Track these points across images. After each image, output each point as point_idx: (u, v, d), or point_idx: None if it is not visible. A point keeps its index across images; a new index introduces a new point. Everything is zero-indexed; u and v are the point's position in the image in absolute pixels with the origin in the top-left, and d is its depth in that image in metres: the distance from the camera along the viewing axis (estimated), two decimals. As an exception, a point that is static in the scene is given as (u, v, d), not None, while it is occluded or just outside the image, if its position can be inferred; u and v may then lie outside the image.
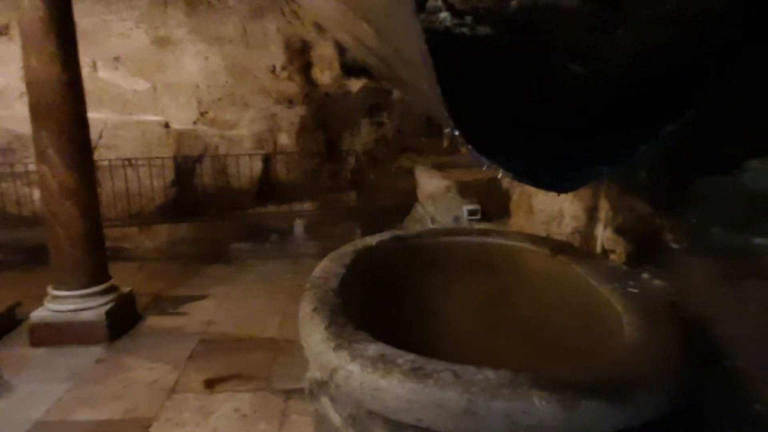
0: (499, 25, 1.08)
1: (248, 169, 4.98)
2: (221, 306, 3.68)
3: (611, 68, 1.20)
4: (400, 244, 2.01)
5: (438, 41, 1.09)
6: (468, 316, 1.78)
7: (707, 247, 1.47)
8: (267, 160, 5.09)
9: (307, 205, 5.03)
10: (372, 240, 1.99)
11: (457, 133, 1.15)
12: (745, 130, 1.56)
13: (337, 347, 1.13)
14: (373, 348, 1.10)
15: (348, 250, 1.85)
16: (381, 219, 4.68)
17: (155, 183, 4.71)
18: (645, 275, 1.67)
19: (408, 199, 4.63)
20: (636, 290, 1.48)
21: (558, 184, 1.33)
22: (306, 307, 1.36)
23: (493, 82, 1.30)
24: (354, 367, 1.06)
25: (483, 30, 1.10)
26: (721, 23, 1.07)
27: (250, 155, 4.96)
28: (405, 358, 1.05)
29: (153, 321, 3.43)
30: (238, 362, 2.88)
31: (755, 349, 1.15)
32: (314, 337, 1.21)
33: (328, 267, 1.66)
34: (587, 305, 1.55)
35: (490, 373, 0.99)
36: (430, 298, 1.83)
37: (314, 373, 1.39)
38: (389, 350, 1.09)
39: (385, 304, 1.69)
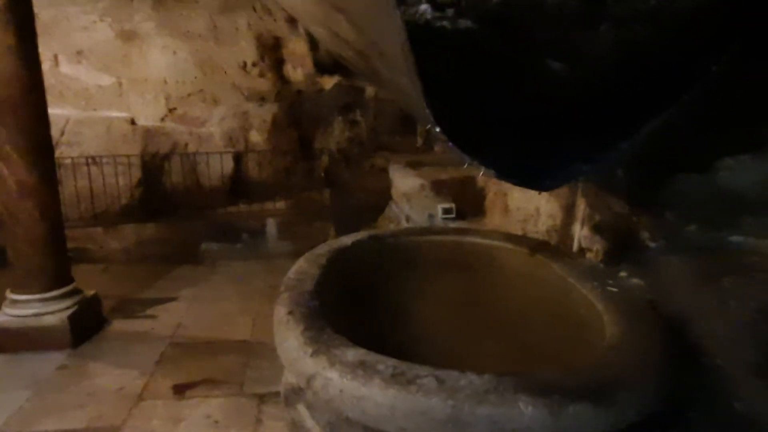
0: (481, 18, 1.05)
1: (219, 167, 4.86)
2: (191, 308, 3.57)
3: (593, 65, 1.18)
4: (376, 243, 1.97)
5: (417, 35, 1.05)
6: (446, 316, 1.75)
7: (685, 245, 1.48)
8: (238, 158, 4.98)
9: (280, 204, 4.94)
10: (348, 240, 1.94)
11: (438, 129, 1.12)
12: (719, 128, 1.58)
13: (315, 353, 1.08)
14: (353, 353, 1.06)
15: (323, 250, 1.80)
16: (355, 218, 4.63)
17: (121, 181, 4.56)
18: (622, 273, 1.66)
19: (382, 198, 4.59)
20: (615, 289, 1.47)
21: (539, 183, 1.31)
22: (281, 311, 1.31)
23: (474, 79, 1.27)
24: (333, 374, 1.01)
25: (464, 23, 1.06)
26: (704, 19, 1.06)
27: (221, 153, 4.84)
28: (386, 363, 1.01)
29: (119, 325, 3.30)
30: (209, 366, 2.79)
31: (735, 347, 1.15)
32: (290, 342, 1.16)
33: (303, 268, 1.61)
34: (567, 304, 1.54)
35: (475, 378, 0.96)
36: (407, 299, 1.79)
37: (290, 379, 1.34)
38: (369, 356, 1.05)
39: (362, 306, 1.65)
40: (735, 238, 1.42)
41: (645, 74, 1.24)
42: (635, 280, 1.59)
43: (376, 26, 1.20)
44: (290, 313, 1.27)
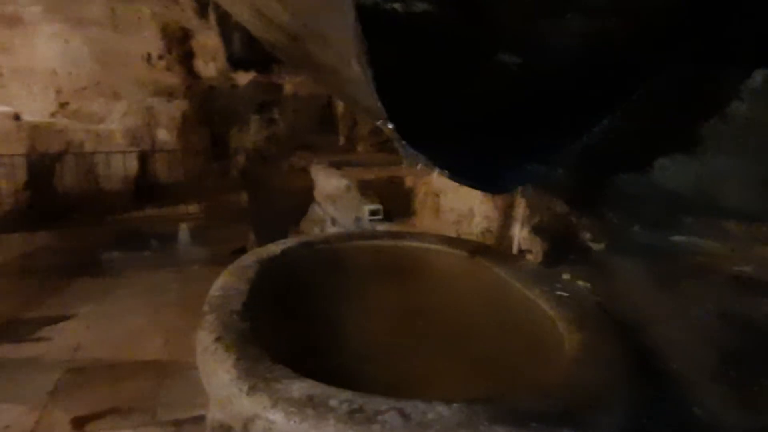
0: (440, 1, 0.93)
1: (121, 168, 4.43)
2: (92, 327, 3.18)
3: (554, 58, 1.11)
4: (308, 251, 1.81)
5: (363, 19, 0.92)
6: (388, 328, 1.62)
7: (630, 246, 1.46)
8: (144, 158, 4.57)
9: (193, 208, 4.59)
10: (277, 248, 1.76)
11: (390, 126, 0.99)
12: (655, 128, 1.58)
13: (252, 389, 0.90)
14: (299, 387, 0.90)
15: (250, 260, 1.61)
16: (276, 221, 4.39)
17: (3, 185, 4.00)
18: (565, 276, 1.63)
19: (304, 200, 4.39)
20: (565, 293, 1.42)
21: (494, 184, 1.23)
22: (206, 337, 1.11)
23: (424, 73, 1.16)
24: (276, 416, 0.85)
25: (421, 6, 0.94)
26: (668, 13, 1.02)
27: (124, 152, 4.41)
28: (339, 398, 0.86)
29: (3, 351, 2.86)
30: (115, 393, 2.47)
31: (694, 351, 1.12)
32: (220, 376, 0.97)
33: (229, 283, 1.42)
34: (516, 311, 1.47)
35: (443, 410, 0.84)
36: (345, 311, 1.64)
37: (218, 415, 1.15)
38: (319, 389, 0.89)
39: (298, 323, 1.48)
40: (678, 238, 1.42)
41: (601, 70, 1.19)
42: (581, 283, 1.55)
43: (316, 6, 1.05)
44: (218, 339, 1.09)
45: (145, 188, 4.59)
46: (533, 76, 1.20)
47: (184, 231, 4.47)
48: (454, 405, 0.85)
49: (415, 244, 1.95)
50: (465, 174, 1.13)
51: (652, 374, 1.19)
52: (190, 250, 4.43)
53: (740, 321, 1.08)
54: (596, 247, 1.62)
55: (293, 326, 1.41)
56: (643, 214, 1.52)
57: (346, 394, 0.88)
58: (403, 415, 0.83)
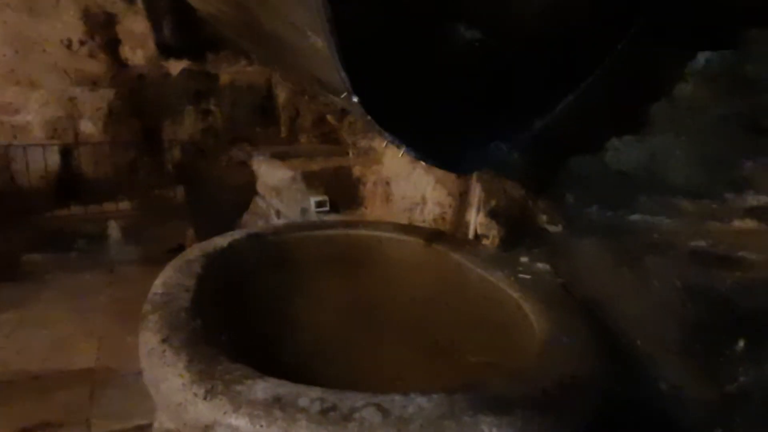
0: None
1: (41, 163, 4.06)
2: (13, 336, 2.89)
3: (512, 34, 1.07)
4: (257, 242, 1.71)
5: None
6: (347, 321, 1.55)
7: (588, 227, 1.46)
8: (67, 151, 4.22)
9: (124, 205, 4.29)
10: (223, 240, 1.65)
11: (355, 99, 0.92)
12: (608, 109, 1.60)
13: (210, 393, 0.81)
14: (263, 387, 0.81)
15: (195, 254, 1.49)
16: (215, 216, 4.20)
17: None
18: (523, 259, 1.62)
19: (244, 193, 4.21)
20: (527, 276, 1.40)
21: (460, 165, 1.19)
22: (151, 339, 1.00)
23: (386, 49, 1.09)
24: (240, 421, 0.76)
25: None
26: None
27: (43, 146, 4.05)
28: (310, 396, 0.79)
29: None
30: (42, 407, 2.25)
31: (656, 327, 1.13)
32: (171, 381, 0.87)
33: (174, 279, 1.29)
34: (479, 296, 1.44)
35: (423, 402, 0.78)
36: (299, 305, 1.56)
37: (167, 424, 1.04)
38: (286, 388, 0.81)
39: (250, 319, 1.38)
40: (634, 217, 1.43)
41: (560, 48, 1.17)
42: (540, 265, 1.55)
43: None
44: (165, 340, 0.97)
45: (69, 184, 4.24)
46: (496, 55, 1.17)
47: (114, 229, 4.18)
48: (434, 396, 0.79)
49: (369, 232, 1.88)
50: (431, 154, 1.08)
51: (618, 352, 1.20)
52: (121, 249, 4.14)
53: (701, 294, 1.09)
54: (553, 229, 1.62)
55: (245, 323, 1.31)
56: (599, 195, 1.53)
57: (317, 392, 0.80)
58: (382, 410, 0.76)
